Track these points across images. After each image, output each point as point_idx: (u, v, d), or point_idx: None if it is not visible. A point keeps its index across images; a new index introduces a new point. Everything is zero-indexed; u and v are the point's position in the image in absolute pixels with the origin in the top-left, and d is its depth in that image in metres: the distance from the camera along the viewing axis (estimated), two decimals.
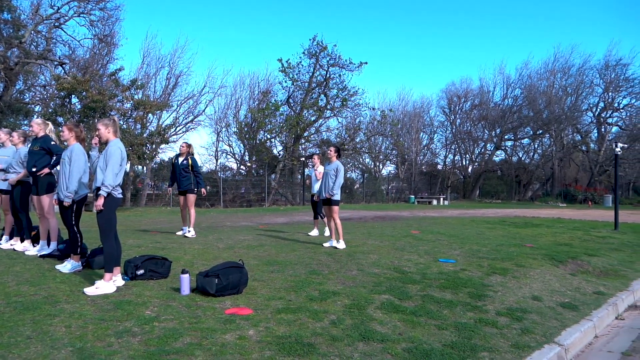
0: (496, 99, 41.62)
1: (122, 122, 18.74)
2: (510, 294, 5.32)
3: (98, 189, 4.74)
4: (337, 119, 30.27)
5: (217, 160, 32.84)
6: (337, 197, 7.84)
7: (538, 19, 68.28)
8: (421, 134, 41.48)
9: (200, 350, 3.29)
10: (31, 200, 6.68)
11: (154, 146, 21.37)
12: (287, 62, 27.62)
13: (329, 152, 8.08)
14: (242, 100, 33.31)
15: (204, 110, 31.86)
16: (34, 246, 6.53)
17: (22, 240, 6.74)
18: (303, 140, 30.33)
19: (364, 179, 35.24)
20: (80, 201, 5.47)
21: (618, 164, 14.63)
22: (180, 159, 8.84)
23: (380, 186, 35.16)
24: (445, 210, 23.01)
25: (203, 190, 8.94)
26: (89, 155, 5.57)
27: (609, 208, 24.82)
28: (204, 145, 70.26)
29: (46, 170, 6.21)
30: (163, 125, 25.41)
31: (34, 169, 6.20)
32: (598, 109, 39.26)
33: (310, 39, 27.43)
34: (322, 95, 28.90)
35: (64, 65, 22.43)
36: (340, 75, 28.07)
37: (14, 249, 6.60)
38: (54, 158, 6.26)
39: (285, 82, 28.81)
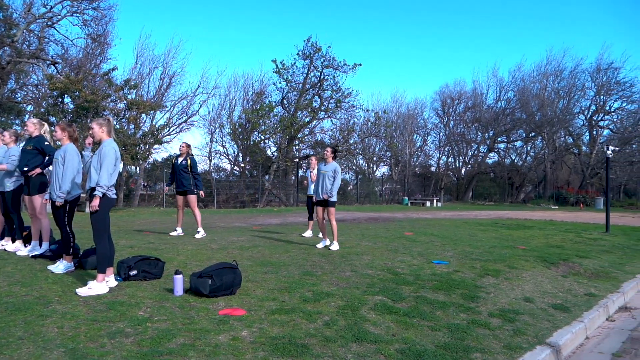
0: (489, 102, 41.95)
1: (115, 122, 18.65)
2: (502, 295, 5.35)
3: (92, 189, 4.72)
4: (331, 120, 30.34)
5: (210, 160, 32.81)
6: (335, 198, 7.86)
7: (531, 22, 68.87)
8: (415, 136, 41.67)
9: (194, 351, 3.28)
10: (23, 200, 6.63)
11: (147, 146, 21.28)
12: (281, 63, 27.68)
13: (325, 152, 8.08)
14: (236, 101, 33.33)
15: (197, 111, 31.83)
16: (25, 246, 6.48)
17: (13, 241, 6.68)
18: (297, 142, 30.35)
19: (357, 180, 35.29)
20: (72, 201, 5.44)
21: (609, 166, 14.76)
22: (180, 159, 8.85)
23: (373, 188, 35.21)
24: (438, 212, 23.10)
25: (201, 192, 8.93)
26: (82, 155, 5.54)
27: (601, 210, 25.05)
28: (197, 146, 69.74)
29: (38, 171, 6.16)
30: (156, 126, 25.38)
31: (25, 169, 6.16)
32: (590, 112, 39.66)
33: (304, 40, 27.61)
34: (316, 97, 28.94)
35: (56, 65, 22.29)
36: (334, 77, 28.15)
37: (5, 250, 6.54)
38: (47, 158, 6.22)
39: (280, 83, 28.87)
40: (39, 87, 23.15)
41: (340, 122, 30.14)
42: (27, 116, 21.73)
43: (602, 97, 38.42)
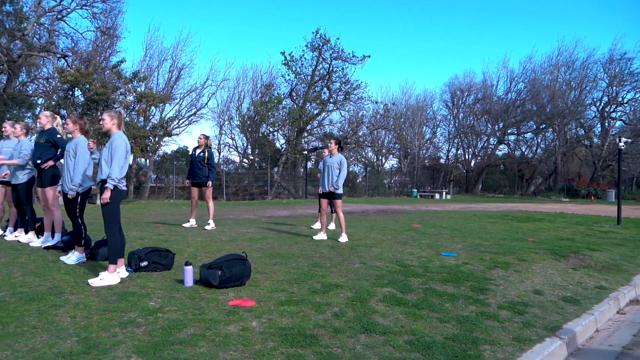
0: (499, 93, 41.55)
1: (125, 115, 18.73)
2: (512, 287, 5.34)
3: (103, 181, 4.76)
4: (340, 113, 30.30)
5: (219, 153, 32.91)
6: (341, 190, 7.88)
7: (542, 12, 67.82)
8: (424, 128, 41.48)
9: (204, 341, 3.32)
10: (35, 192, 6.71)
11: (156, 139, 21.40)
12: (290, 55, 27.61)
13: (330, 144, 8.13)
14: (244, 93, 33.36)
15: (206, 103, 31.88)
16: (38, 238, 6.58)
17: (26, 232, 6.79)
18: (306, 134, 30.34)
19: (366, 172, 35.23)
20: (84, 193, 5.49)
21: (621, 158, 14.59)
22: (198, 151, 8.87)
23: (382, 180, 35.14)
24: (447, 204, 23.01)
25: (210, 182, 8.93)
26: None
27: (612, 203, 24.83)
28: None
29: (50, 163, 6.23)
30: (166, 118, 25.46)
31: (38, 161, 6.23)
32: (602, 104, 39.14)
33: (313, 32, 27.56)
34: (325, 89, 28.86)
35: (66, 58, 22.44)
36: (343, 69, 28.05)
37: (18, 241, 6.64)
38: (59, 151, 6.29)
39: (288, 75, 28.82)
40: (50, 80, 23.32)
41: (349, 114, 30.12)
42: (38, 109, 21.93)
43: (614, 88, 37.85)
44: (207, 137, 9.02)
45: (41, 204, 6.46)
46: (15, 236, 6.84)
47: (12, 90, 20.66)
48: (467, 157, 43.41)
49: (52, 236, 6.37)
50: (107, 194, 4.69)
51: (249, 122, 31.08)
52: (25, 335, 3.28)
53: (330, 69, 28.13)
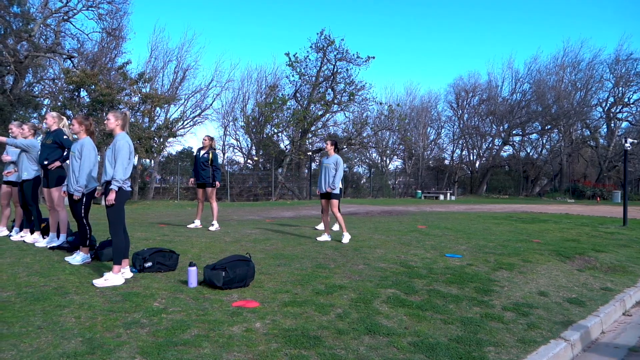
0: (504, 94, 41.42)
1: (130, 116, 18.81)
2: (516, 289, 5.31)
3: (108, 183, 4.78)
4: (344, 114, 30.31)
5: (224, 154, 32.98)
6: (337, 190, 7.90)
7: (547, 12, 67.60)
8: (428, 129, 41.42)
9: (208, 342, 3.32)
10: (41, 192, 6.75)
11: (161, 139, 21.47)
12: (294, 56, 27.66)
13: (325, 145, 8.18)
14: (249, 94, 33.42)
15: (211, 104, 32.07)
16: (43, 238, 6.61)
17: (32, 232, 6.83)
18: (310, 135, 30.36)
19: (370, 173, 35.20)
20: (89, 194, 5.52)
21: (627, 159, 14.51)
22: (202, 152, 8.89)
23: (387, 181, 35.10)
24: (452, 205, 22.95)
25: (217, 182, 8.95)
26: (98, 149, 5.62)
27: (618, 204, 24.64)
28: None
29: (57, 164, 6.28)
30: (171, 119, 25.54)
31: (45, 162, 6.27)
32: (608, 104, 38.94)
33: (317, 33, 27.52)
34: (329, 90, 28.88)
35: (72, 59, 22.56)
36: (347, 70, 28.08)
37: (24, 241, 6.69)
38: (65, 152, 6.33)
39: (293, 76, 28.88)
40: (56, 81, 23.45)
41: (354, 115, 30.12)
42: (44, 110, 22.03)
43: (620, 88, 37.69)
44: (211, 139, 9.04)
45: (47, 205, 6.50)
46: (21, 236, 6.89)
47: (18, 91, 20.78)
48: (471, 158, 43.33)
49: (58, 237, 6.41)
50: (111, 196, 4.71)
51: (253, 123, 31.13)
52: (30, 335, 3.30)
53: (335, 70, 28.17)
